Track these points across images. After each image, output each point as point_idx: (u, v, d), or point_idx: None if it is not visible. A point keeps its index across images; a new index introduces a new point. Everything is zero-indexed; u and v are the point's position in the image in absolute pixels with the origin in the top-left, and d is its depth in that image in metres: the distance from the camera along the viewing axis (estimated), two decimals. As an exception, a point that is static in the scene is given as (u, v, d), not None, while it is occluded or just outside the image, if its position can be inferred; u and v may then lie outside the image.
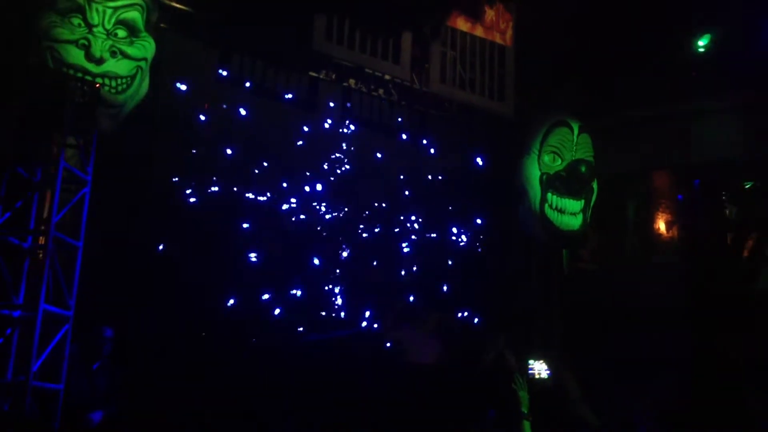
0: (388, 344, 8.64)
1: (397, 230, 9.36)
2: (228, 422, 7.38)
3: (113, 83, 6.86)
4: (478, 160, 10.06)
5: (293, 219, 8.54)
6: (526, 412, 4.87)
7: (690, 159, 11.02)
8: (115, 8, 6.90)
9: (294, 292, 8.41)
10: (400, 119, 9.59)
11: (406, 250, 9.39)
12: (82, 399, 6.22)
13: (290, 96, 8.75)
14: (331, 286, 8.68)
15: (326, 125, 9.00)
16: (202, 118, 8.11)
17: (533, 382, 8.67)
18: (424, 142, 9.75)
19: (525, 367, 8.64)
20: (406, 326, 9.17)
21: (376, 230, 9.22)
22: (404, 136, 9.60)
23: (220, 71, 8.28)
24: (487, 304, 9.84)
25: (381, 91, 9.37)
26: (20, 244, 6.15)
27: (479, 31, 9.89)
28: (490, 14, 9.94)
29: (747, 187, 11.30)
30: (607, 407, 9.16)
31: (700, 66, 10.64)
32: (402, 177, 9.53)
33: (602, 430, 8.41)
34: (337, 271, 8.75)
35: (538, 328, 10.12)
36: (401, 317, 8.73)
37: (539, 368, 9.15)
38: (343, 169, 9.06)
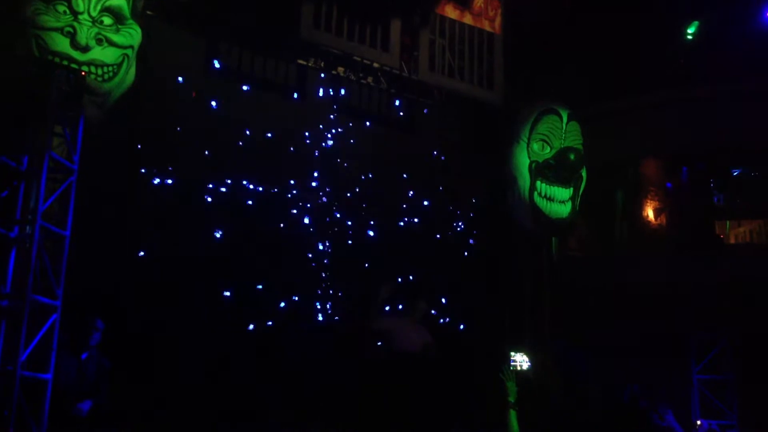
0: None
1: (381, 218, 9.36)
2: (217, 411, 7.39)
3: (99, 71, 6.79)
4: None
5: (279, 208, 8.52)
6: (512, 401, 4.91)
7: (679, 147, 11.06)
8: (101, -5, 6.82)
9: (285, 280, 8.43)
10: (388, 107, 9.57)
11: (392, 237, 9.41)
12: (71, 389, 6.20)
13: (278, 84, 8.70)
14: (319, 276, 8.70)
15: (314, 113, 8.98)
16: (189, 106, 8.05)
17: (514, 374, 8.71)
18: (413, 129, 9.74)
19: (508, 358, 8.69)
20: (392, 315, 9.18)
21: (363, 217, 9.22)
22: (393, 124, 9.59)
23: (208, 60, 8.22)
24: (476, 292, 9.87)
25: (370, 79, 9.35)
26: (7, 233, 6.10)
27: (468, 19, 9.88)
28: (478, 1, 9.92)
29: (735, 174, 11.37)
30: (593, 393, 9.24)
31: (689, 53, 10.67)
32: (390, 164, 9.51)
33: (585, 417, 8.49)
34: (325, 261, 8.76)
35: (527, 314, 10.18)
36: (387, 306, 8.75)
37: (520, 360, 9.21)
38: (332, 156, 9.04)
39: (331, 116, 9.13)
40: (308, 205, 8.82)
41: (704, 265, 10.25)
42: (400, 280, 9.35)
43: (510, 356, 8.93)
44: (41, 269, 5.96)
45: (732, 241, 11.52)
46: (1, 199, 6.10)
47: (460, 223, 10.06)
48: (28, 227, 6.01)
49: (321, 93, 9.06)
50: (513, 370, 5.08)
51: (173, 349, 7.29)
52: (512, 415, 4.98)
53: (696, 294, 10.13)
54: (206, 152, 8.10)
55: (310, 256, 8.69)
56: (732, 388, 10.38)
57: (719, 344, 10.48)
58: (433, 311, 9.40)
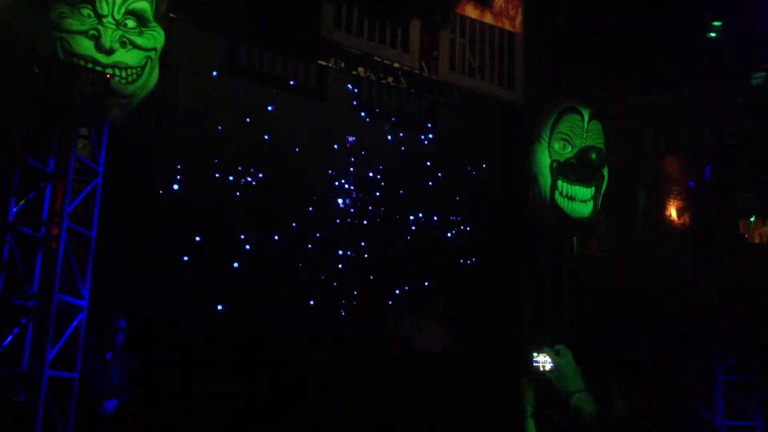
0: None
1: (405, 218, 9.37)
2: (239, 410, 7.43)
3: (123, 74, 6.86)
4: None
5: (300, 206, 8.55)
6: (531, 412, 4.88)
7: (702, 144, 10.95)
8: (125, -2, 6.89)
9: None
10: (408, 106, 9.56)
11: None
12: (96, 388, 6.27)
13: (299, 85, 8.73)
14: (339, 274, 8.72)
15: (334, 113, 9.00)
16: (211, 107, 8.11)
17: (538, 375, 8.66)
18: (434, 129, 9.73)
19: (530, 362, 8.61)
20: (412, 315, 9.19)
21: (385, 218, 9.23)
22: (413, 124, 9.59)
23: (229, 61, 8.27)
24: (496, 292, 9.83)
25: (390, 79, 9.35)
26: (34, 234, 6.20)
27: (488, 18, 9.84)
28: (499, 1, 9.89)
29: (760, 172, 11.22)
30: (614, 396, 9.15)
31: (712, 50, 10.56)
32: (411, 164, 9.51)
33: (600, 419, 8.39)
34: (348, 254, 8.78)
35: (547, 315, 10.12)
36: (407, 306, 8.76)
37: (543, 361, 9.12)
38: (352, 157, 9.06)
39: (351, 116, 9.14)
40: (329, 204, 8.83)
41: (728, 265, 10.13)
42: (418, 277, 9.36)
43: (532, 358, 8.86)
44: (67, 269, 6.04)
45: (756, 240, 11.37)
46: (28, 200, 6.20)
47: (479, 223, 10.03)
48: (54, 228, 6.10)
49: (341, 93, 9.07)
50: (533, 375, 4.98)
51: (197, 347, 7.34)
52: (530, 424, 4.95)
53: (720, 293, 10.02)
54: (228, 152, 8.15)
55: (340, 253, 8.71)
56: (757, 389, 10.26)
57: (744, 344, 10.35)
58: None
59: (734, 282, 10.09)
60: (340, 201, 8.91)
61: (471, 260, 9.91)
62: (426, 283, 9.45)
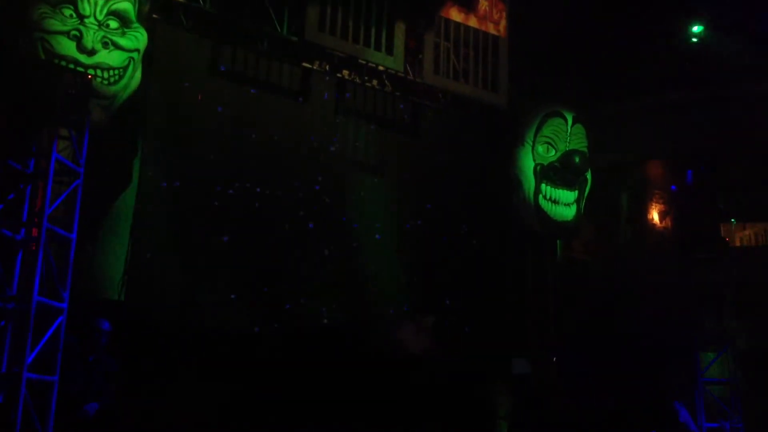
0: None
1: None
2: (222, 413, 7.40)
3: (105, 74, 6.82)
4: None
5: (284, 211, 8.51)
6: (503, 414, 4.90)
7: (683, 149, 11.06)
8: (107, -1, 6.86)
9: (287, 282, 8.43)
10: (393, 110, 9.57)
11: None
12: (78, 391, 6.21)
13: (283, 87, 8.71)
14: (323, 278, 8.69)
15: (319, 115, 8.98)
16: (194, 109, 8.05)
17: (516, 378, 8.72)
18: (417, 132, 9.74)
19: (509, 364, 8.68)
20: (404, 321, 9.25)
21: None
22: (397, 126, 9.60)
23: (213, 63, 8.24)
24: (481, 295, 9.85)
25: (374, 81, 9.36)
26: (13, 236, 6.12)
27: (473, 22, 9.89)
28: (483, 4, 9.94)
29: (740, 177, 11.35)
30: (596, 396, 9.22)
31: (693, 56, 10.67)
32: (395, 167, 9.51)
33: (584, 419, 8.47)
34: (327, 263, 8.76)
35: (531, 317, 10.17)
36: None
37: (521, 365, 9.19)
38: (336, 159, 9.04)
39: (336, 119, 9.13)
40: (314, 208, 8.79)
41: (709, 268, 10.22)
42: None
43: (512, 362, 8.92)
44: (47, 271, 5.98)
45: (737, 243, 11.50)
46: (8, 201, 6.12)
47: (464, 226, 10.03)
48: (34, 230, 6.03)
49: (326, 96, 9.06)
50: (508, 380, 5.04)
51: (180, 351, 7.30)
52: (503, 426, 4.97)
53: (701, 296, 10.11)
54: (211, 155, 8.10)
55: (316, 257, 8.67)
56: (737, 391, 10.34)
57: (725, 346, 10.44)
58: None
59: (715, 285, 10.18)
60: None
61: (455, 264, 9.90)
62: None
